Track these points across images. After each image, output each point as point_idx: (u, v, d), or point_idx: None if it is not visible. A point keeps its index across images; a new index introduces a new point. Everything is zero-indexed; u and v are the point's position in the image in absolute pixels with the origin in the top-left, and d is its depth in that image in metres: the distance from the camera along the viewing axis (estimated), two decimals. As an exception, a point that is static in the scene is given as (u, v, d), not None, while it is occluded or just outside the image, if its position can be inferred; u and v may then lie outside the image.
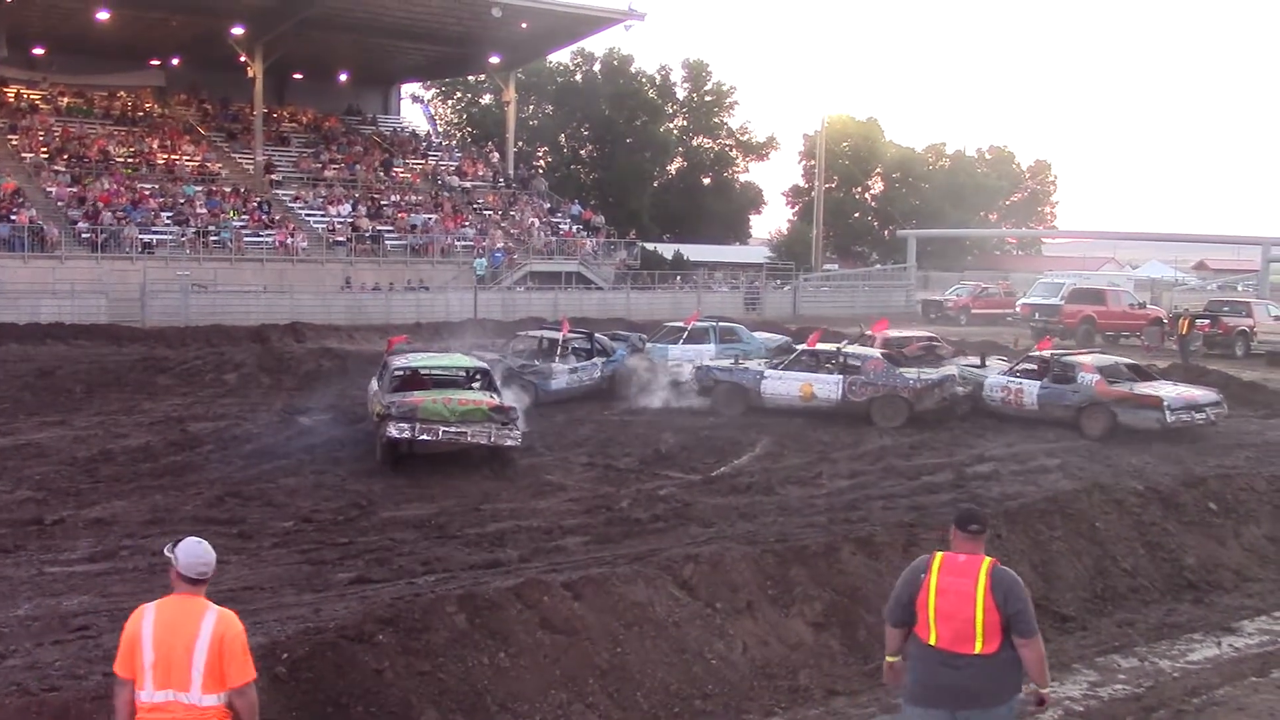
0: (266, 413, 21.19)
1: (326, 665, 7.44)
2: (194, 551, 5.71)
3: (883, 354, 22.87)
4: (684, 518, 13.79)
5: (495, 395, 17.22)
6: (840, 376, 21.74)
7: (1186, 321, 34.25)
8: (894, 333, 26.44)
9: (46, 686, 7.46)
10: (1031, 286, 45.37)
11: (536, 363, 23.18)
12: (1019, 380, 21.95)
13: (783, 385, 21.99)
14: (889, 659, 6.40)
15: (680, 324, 27.93)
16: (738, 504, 14.77)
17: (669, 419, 21.24)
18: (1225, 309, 37.69)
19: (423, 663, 7.73)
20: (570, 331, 24.76)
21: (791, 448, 18.85)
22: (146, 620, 5.53)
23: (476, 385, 17.93)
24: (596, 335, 25.27)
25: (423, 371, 18.42)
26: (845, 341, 24.76)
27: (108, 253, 40.43)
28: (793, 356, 23.12)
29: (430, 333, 35.30)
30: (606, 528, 13.38)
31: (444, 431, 16.08)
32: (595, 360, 23.95)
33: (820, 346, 23.32)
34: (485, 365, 18.77)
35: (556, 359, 23.35)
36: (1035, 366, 22.29)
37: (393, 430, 16.03)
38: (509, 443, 16.28)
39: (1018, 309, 43.07)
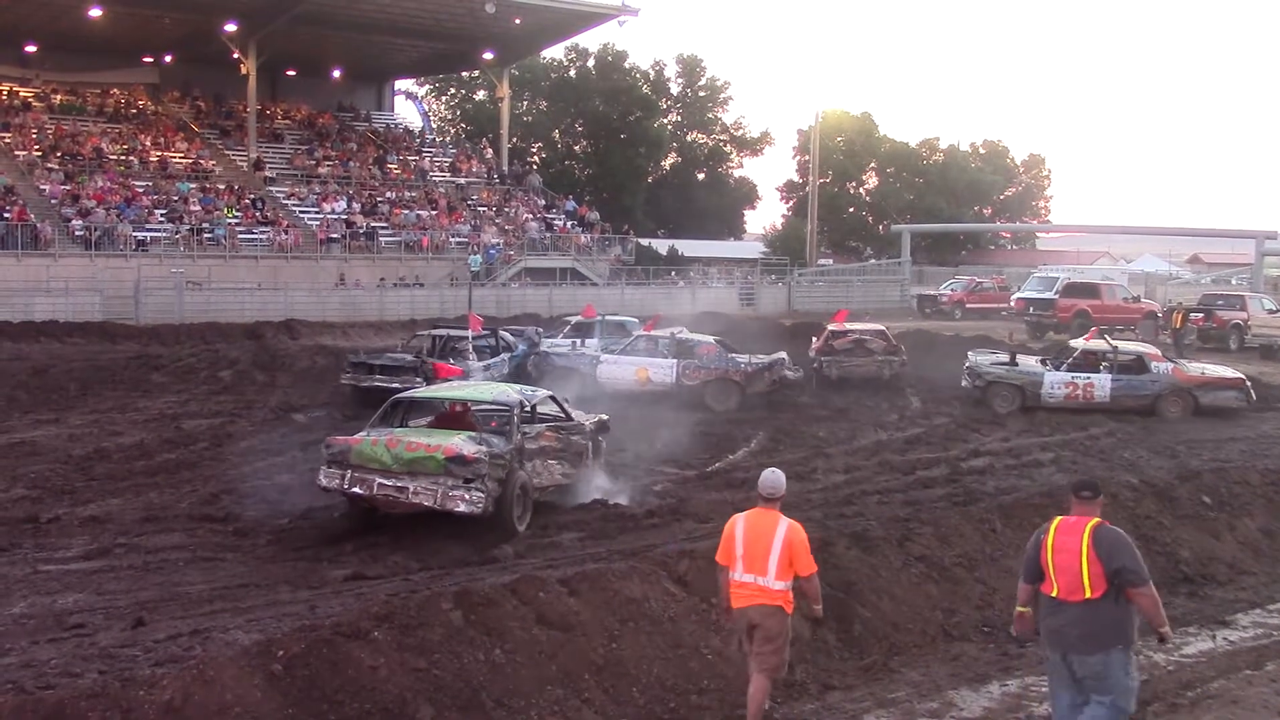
0: (261, 410, 21.18)
1: (322, 662, 7.43)
2: (769, 478, 7.99)
3: (716, 339, 23.50)
4: (679, 513, 13.78)
5: (488, 440, 13.05)
6: (675, 360, 22.21)
7: (1180, 315, 34.31)
8: (850, 325, 26.60)
9: (42, 685, 7.45)
10: (1026, 281, 45.37)
11: (450, 363, 22.26)
12: (1086, 375, 22.22)
13: (618, 370, 22.38)
14: (1019, 609, 7.45)
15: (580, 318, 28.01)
16: (733, 499, 14.73)
17: (660, 415, 21.23)
18: (1219, 303, 37.78)
19: (418, 659, 7.72)
20: (481, 329, 24.32)
21: (787, 443, 18.86)
22: (739, 525, 7.92)
23: (501, 425, 13.81)
24: (500, 331, 24.98)
25: (430, 402, 14.81)
26: (680, 328, 25.25)
27: (101, 250, 40.30)
28: (629, 341, 23.46)
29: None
30: (602, 523, 13.37)
31: (379, 484, 12.45)
32: (502, 356, 23.64)
33: (655, 332, 23.72)
34: (512, 400, 14.07)
35: (471, 357, 22.66)
36: (1093, 359, 22.82)
37: (321, 477, 12.81)
38: (460, 508, 12.31)
39: (1012, 303, 43.08)
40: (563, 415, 14.98)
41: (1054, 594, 6.98)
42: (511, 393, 14.63)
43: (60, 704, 6.74)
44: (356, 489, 12.55)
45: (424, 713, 7.39)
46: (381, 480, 12.44)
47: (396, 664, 7.62)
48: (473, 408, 14.25)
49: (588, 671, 8.23)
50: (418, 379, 20.24)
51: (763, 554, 7.76)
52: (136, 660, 8.28)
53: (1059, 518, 7.15)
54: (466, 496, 12.30)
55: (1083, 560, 6.83)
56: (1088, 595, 6.82)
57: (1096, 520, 6.97)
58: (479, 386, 16.44)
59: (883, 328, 26.78)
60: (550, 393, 15.64)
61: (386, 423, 13.80)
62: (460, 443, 12.71)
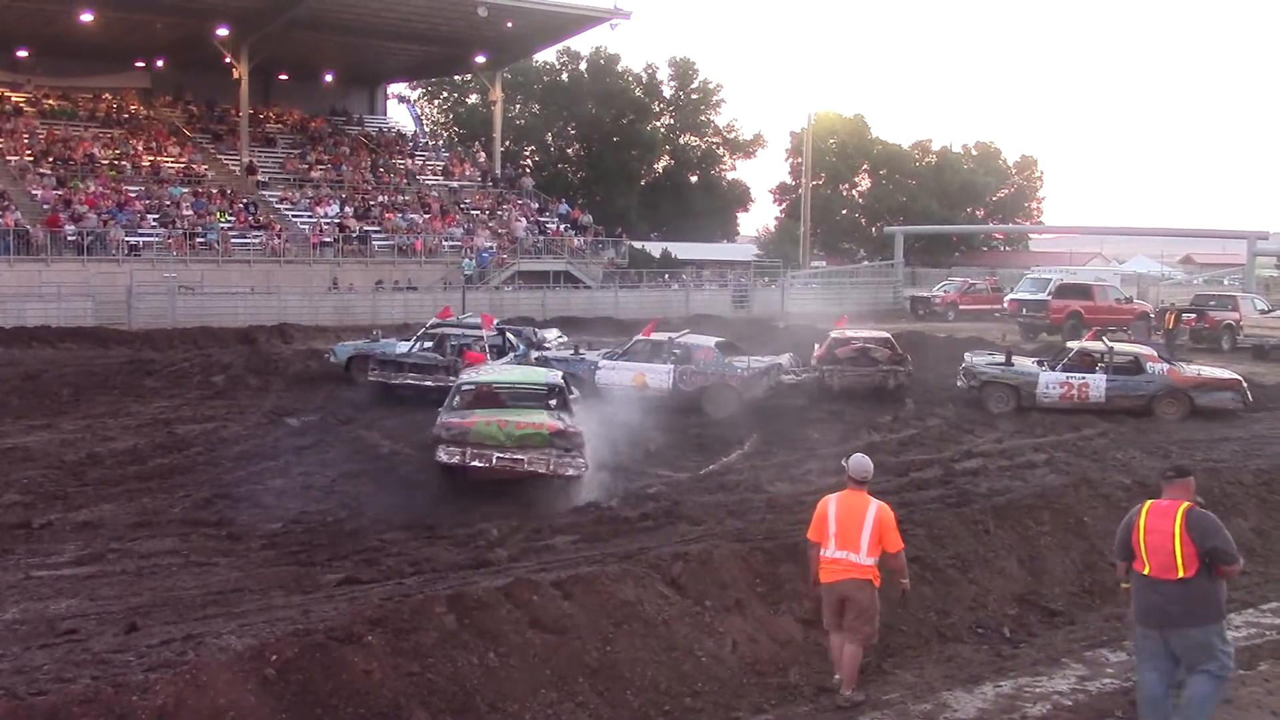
0: (254, 414, 21.14)
1: (315, 667, 7.42)
2: (859, 461, 8.72)
3: (717, 342, 23.31)
4: (673, 516, 13.80)
5: (563, 416, 15.34)
6: (671, 366, 22.16)
7: (1173, 316, 34.39)
8: (850, 332, 26.02)
9: (34, 691, 7.43)
10: (1019, 282, 45.39)
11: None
12: (1081, 375, 22.20)
13: (616, 375, 22.41)
14: (1124, 585, 7.99)
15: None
16: (726, 501, 14.78)
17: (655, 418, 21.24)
18: (1211, 303, 37.88)
19: (412, 663, 7.72)
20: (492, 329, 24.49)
21: (780, 445, 18.86)
22: (832, 505, 8.63)
23: (552, 404, 15.97)
24: (505, 332, 25.30)
25: (494, 386, 16.48)
26: (685, 330, 24.92)
27: (94, 255, 40.24)
28: (629, 346, 23.46)
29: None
30: (596, 526, 13.39)
31: (498, 458, 14.58)
32: (509, 355, 23.79)
33: (655, 336, 23.65)
34: (560, 381, 16.58)
35: (486, 355, 22.78)
36: (1089, 359, 22.79)
37: (442, 455, 14.73)
38: (570, 472, 14.65)
39: (1005, 305, 43.12)
40: (567, 388, 16.99)
41: (1145, 572, 7.52)
42: (550, 375, 17.11)
43: (53, 709, 6.73)
44: (477, 462, 14.63)
45: (418, 717, 7.40)
46: (499, 455, 14.62)
47: (390, 668, 7.61)
48: (529, 388, 16.45)
49: (581, 674, 8.23)
50: (450, 377, 20.76)
51: (855, 532, 8.46)
52: (129, 665, 8.26)
53: (1149, 501, 7.66)
54: (574, 463, 14.67)
55: (1175, 541, 7.37)
56: (1181, 575, 7.37)
57: (1189, 504, 7.49)
58: (527, 371, 18.79)
59: (888, 335, 26.08)
60: (560, 371, 18.41)
61: (462, 406, 15.78)
62: (549, 419, 15.09)
